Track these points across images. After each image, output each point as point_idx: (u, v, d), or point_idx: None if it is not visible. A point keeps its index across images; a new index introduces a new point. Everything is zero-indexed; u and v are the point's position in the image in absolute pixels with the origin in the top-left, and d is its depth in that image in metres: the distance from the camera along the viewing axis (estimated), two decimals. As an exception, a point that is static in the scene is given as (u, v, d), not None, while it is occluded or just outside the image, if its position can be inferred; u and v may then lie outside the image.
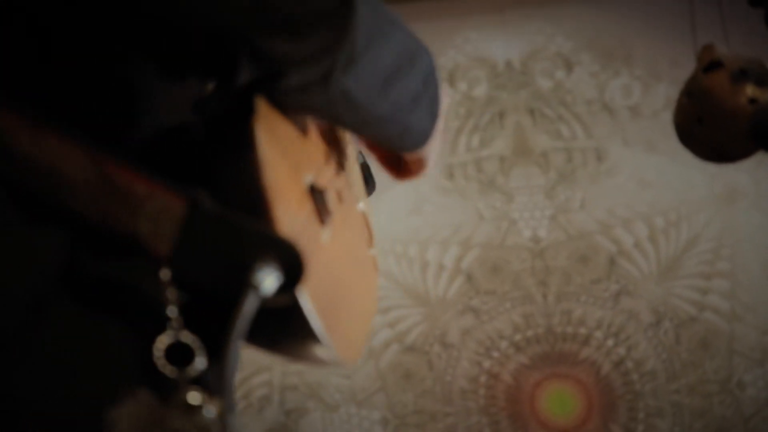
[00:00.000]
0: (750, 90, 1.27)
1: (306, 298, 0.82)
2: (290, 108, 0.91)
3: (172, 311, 0.80)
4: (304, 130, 1.00)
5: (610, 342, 3.02)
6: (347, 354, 0.95)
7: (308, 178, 0.96)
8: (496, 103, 3.16)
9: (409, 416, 2.97)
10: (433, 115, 1.06)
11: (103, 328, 0.82)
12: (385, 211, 2.98)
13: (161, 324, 0.80)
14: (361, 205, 1.22)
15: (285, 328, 0.85)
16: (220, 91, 0.85)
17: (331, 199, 1.00)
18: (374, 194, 1.32)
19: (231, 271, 0.79)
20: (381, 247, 2.97)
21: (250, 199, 0.83)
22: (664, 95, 3.12)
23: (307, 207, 0.93)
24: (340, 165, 1.13)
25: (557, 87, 3.17)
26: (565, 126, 3.13)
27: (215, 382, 0.80)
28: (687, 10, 2.96)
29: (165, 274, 0.80)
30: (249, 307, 0.78)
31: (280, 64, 0.84)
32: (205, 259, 0.80)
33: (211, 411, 0.77)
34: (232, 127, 0.85)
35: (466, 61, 3.17)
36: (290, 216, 0.86)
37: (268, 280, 0.79)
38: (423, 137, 1.07)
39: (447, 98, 1.11)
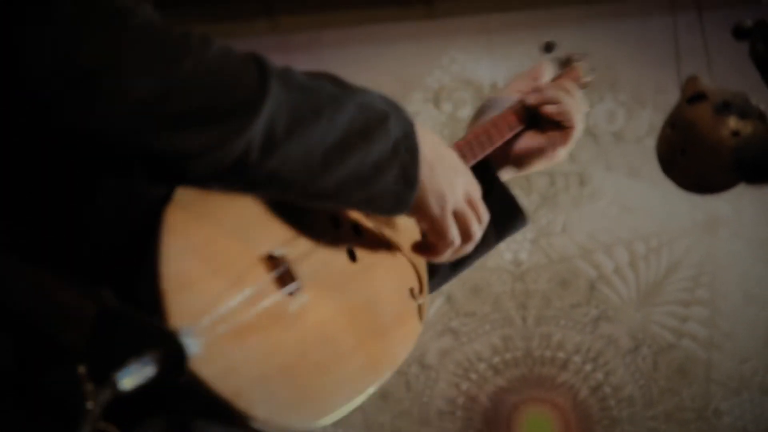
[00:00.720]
0: (733, 122, 1.28)
1: (212, 381, 0.87)
2: (217, 189, 0.94)
3: (90, 405, 0.83)
4: (266, 208, 1.02)
5: (588, 367, 3.02)
6: (299, 415, 0.96)
7: (267, 250, 0.99)
8: (481, 124, 3.16)
9: (386, 436, 2.96)
10: (407, 179, 1.07)
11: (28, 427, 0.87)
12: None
13: (80, 419, 0.84)
14: (405, 254, 1.21)
15: (214, 410, 0.89)
16: (128, 187, 0.90)
17: (305, 270, 1.02)
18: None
19: (120, 363, 0.83)
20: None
21: (148, 290, 0.88)
22: (648, 121, 3.13)
23: (257, 279, 0.96)
24: (354, 226, 1.14)
25: (542, 110, 3.17)
26: (548, 150, 3.13)
27: None
28: (671, 38, 2.97)
29: (81, 369, 0.84)
30: (101, 401, 0.83)
31: (179, 159, 0.87)
32: (109, 353, 0.84)
33: None
34: (144, 219, 0.90)
35: (452, 82, 3.17)
36: (205, 300, 0.90)
37: (130, 378, 0.83)
38: (399, 202, 1.08)
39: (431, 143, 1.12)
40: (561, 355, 3.03)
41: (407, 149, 1.06)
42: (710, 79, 1.35)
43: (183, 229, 0.92)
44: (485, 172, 1.36)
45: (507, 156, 1.38)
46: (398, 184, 1.06)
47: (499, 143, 1.34)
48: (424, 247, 1.18)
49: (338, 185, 1.00)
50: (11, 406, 0.87)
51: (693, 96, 1.31)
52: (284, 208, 1.04)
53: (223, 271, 0.95)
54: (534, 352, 3.03)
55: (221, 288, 0.93)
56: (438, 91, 3.16)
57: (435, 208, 1.12)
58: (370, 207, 1.08)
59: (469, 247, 1.18)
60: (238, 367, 0.91)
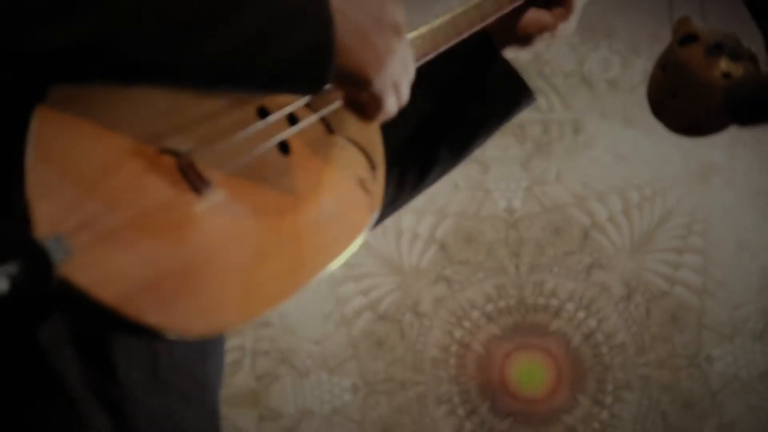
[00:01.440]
0: (724, 64, 1.27)
1: (93, 289, 0.83)
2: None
3: None
4: (188, 101, 0.97)
5: (581, 314, 3.03)
6: (198, 324, 0.93)
7: (162, 144, 0.93)
8: (475, 73, 3.15)
9: (380, 384, 2.98)
10: (322, 45, 0.92)
11: None
12: (361, 179, 2.98)
13: None
14: (352, 139, 1.16)
15: (98, 318, 0.86)
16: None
17: (217, 162, 0.97)
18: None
19: None
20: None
21: (16, 197, 0.84)
22: (643, 70, 3.12)
23: (155, 180, 0.92)
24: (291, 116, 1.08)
25: (536, 58, 3.16)
26: (543, 98, 3.13)
27: None
28: (667, -16, 2.96)
29: None
30: None
31: (51, 55, 0.84)
32: None
33: None
34: (11, 120, 0.85)
35: (446, 31, 3.16)
36: (72, 202, 0.86)
37: None
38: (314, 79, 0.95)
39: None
40: (554, 302, 3.04)
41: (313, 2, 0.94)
42: (703, 19, 1.34)
43: (56, 129, 0.87)
44: (487, 48, 1.34)
45: (510, 32, 1.37)
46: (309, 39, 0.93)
47: (497, 15, 1.32)
48: (359, 105, 1.08)
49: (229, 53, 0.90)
50: None
51: (684, 37, 1.30)
52: (201, 103, 0.98)
53: (95, 163, 0.90)
54: (527, 300, 3.04)
55: (94, 184, 0.88)
56: None
57: (379, 81, 1.00)
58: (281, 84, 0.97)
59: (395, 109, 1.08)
60: (121, 272, 0.86)
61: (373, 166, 1.19)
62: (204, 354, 1.10)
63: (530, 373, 3.01)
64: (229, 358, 2.96)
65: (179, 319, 0.89)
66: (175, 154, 0.93)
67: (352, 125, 1.16)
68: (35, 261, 0.81)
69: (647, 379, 2.99)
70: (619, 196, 3.08)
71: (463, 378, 3.00)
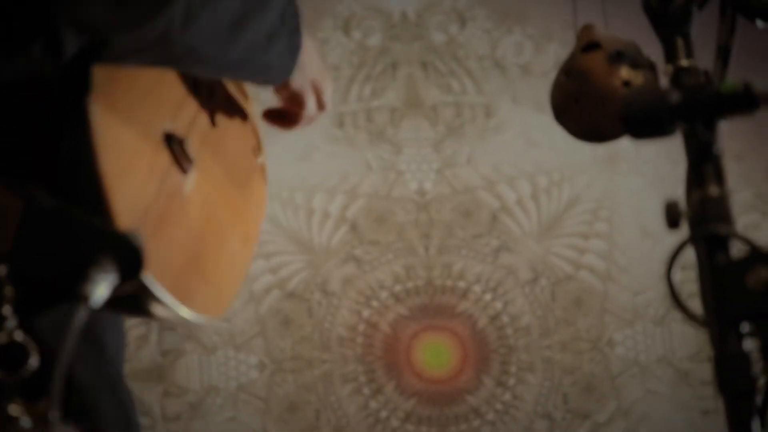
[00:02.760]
0: (625, 72, 1.30)
1: (154, 281, 0.83)
2: (134, 65, 0.91)
3: (6, 309, 0.80)
4: (157, 77, 0.99)
5: (487, 296, 3.08)
6: (214, 307, 0.96)
7: (164, 127, 0.95)
8: (390, 54, 3.17)
9: (287, 362, 2.99)
10: (293, 48, 1.09)
11: None
12: (273, 157, 2.96)
13: None
14: (245, 110, 1.21)
15: (140, 307, 0.86)
16: (49, 65, 0.84)
17: (194, 139, 1.00)
18: (264, 138, 1.32)
19: (65, 271, 0.79)
20: (267, 193, 2.97)
21: (88, 191, 0.83)
22: (555, 55, 3.16)
23: (163, 162, 0.93)
24: (209, 89, 1.12)
25: (450, 41, 3.19)
26: (456, 81, 3.16)
27: (46, 383, 0.79)
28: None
29: (2, 270, 0.80)
30: (79, 319, 0.79)
31: (105, 32, 0.83)
32: (43, 256, 0.80)
33: (27, 421, 0.77)
34: (67, 110, 0.84)
35: (362, 11, 3.16)
36: (135, 194, 0.86)
37: (100, 287, 0.79)
38: (285, 71, 1.10)
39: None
40: (461, 284, 3.08)
41: (291, 17, 1.08)
42: (605, 26, 1.37)
43: (109, 116, 0.87)
44: None
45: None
46: (285, 52, 1.09)
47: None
48: (281, 116, 1.20)
49: (240, 57, 1.01)
50: None
51: (587, 45, 1.34)
52: (161, 80, 1.01)
53: (142, 161, 0.91)
54: (435, 281, 3.07)
55: (144, 179, 0.89)
56: (348, 18, 3.15)
57: (300, 79, 1.14)
58: (262, 77, 1.11)
59: (317, 117, 1.23)
60: (167, 261, 0.87)
61: (258, 138, 1.25)
62: (111, 325, 1.13)
63: (436, 353, 3.05)
64: (135, 333, 2.95)
65: (203, 300, 0.91)
66: (173, 137, 0.95)
67: (242, 102, 1.22)
68: (131, 253, 0.80)
69: (550, 362, 3.05)
70: (528, 181, 3.12)
71: (369, 357, 3.03)
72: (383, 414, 3.00)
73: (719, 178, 1.00)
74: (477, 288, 3.08)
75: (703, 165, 1.00)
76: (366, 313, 3.04)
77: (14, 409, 0.77)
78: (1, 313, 0.79)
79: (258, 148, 1.23)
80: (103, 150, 0.84)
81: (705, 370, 3.03)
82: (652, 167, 3.12)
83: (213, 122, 1.10)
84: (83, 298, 0.78)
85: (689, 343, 3.06)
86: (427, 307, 3.06)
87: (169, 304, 0.86)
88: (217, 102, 1.13)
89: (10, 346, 0.79)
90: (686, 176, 1.05)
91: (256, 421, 2.96)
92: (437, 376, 3.03)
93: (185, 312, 0.88)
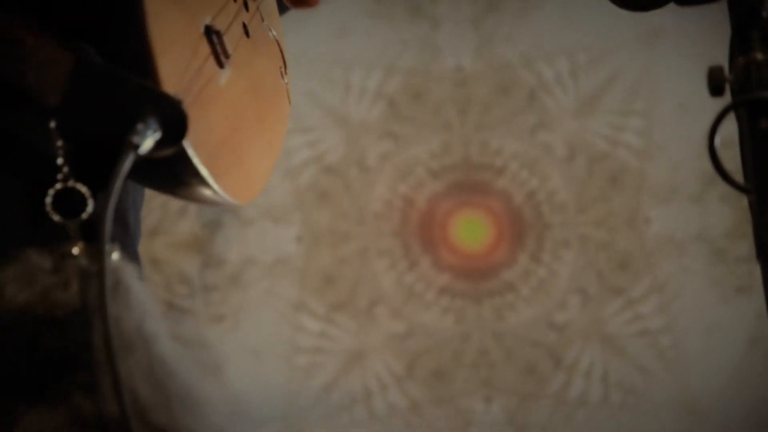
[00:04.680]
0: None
1: (192, 149, 0.85)
2: None
3: (60, 161, 0.82)
4: None
5: (524, 173, 3.08)
6: (242, 195, 0.98)
7: (205, 20, 0.97)
8: (429, -73, 3.13)
9: (323, 235, 3.02)
10: None
11: None
12: (310, 33, 2.97)
13: (50, 174, 0.82)
14: (274, 33, 1.22)
15: (175, 175, 0.88)
16: None
17: (231, 39, 1.01)
18: (301, 15, 1.32)
19: (114, 125, 0.81)
20: (305, 69, 2.97)
21: (136, 54, 0.84)
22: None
23: (203, 52, 0.94)
24: (244, 1, 1.13)
25: None
26: (495, -45, 3.11)
27: (100, 230, 0.82)
28: None
29: (53, 124, 0.81)
30: (127, 164, 0.81)
31: None
32: (91, 111, 0.82)
33: (86, 260, 0.80)
34: None
35: None
36: (179, 68, 0.88)
37: (147, 140, 0.81)
38: None
39: None
40: (498, 161, 3.08)
41: None
42: None
43: None
44: None
45: None
46: None
47: None
48: None
49: None
50: None
51: None
52: None
53: (187, 39, 0.93)
54: (472, 158, 3.08)
55: (188, 57, 0.91)
56: None
57: None
58: None
59: None
60: (205, 137, 0.89)
61: (284, 58, 1.25)
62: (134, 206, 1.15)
63: (472, 229, 3.07)
64: (175, 205, 2.98)
65: (233, 183, 0.93)
66: (213, 30, 0.96)
67: (272, 19, 1.23)
68: (175, 114, 0.82)
69: (585, 238, 3.07)
70: (567, 58, 3.09)
71: (405, 232, 3.05)
72: (418, 288, 3.03)
73: (765, 43, 0.98)
74: (513, 165, 3.08)
75: (749, 30, 0.99)
76: (402, 188, 3.05)
77: (75, 249, 0.80)
78: (54, 164, 0.81)
79: (284, 69, 1.23)
80: (153, 19, 0.86)
81: (740, 248, 3.03)
82: (693, 44, 3.08)
83: (247, 33, 1.10)
84: (131, 146, 0.80)
85: (725, 220, 3.06)
86: (463, 184, 3.07)
87: (204, 176, 0.87)
88: (251, 15, 1.13)
89: (66, 192, 0.81)
90: (730, 42, 1.04)
91: (293, 293, 3.00)
92: (472, 252, 3.06)
93: (217, 188, 0.90)
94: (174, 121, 0.83)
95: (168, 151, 0.84)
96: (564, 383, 3.03)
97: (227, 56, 0.98)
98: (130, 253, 0.96)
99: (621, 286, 3.05)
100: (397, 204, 3.05)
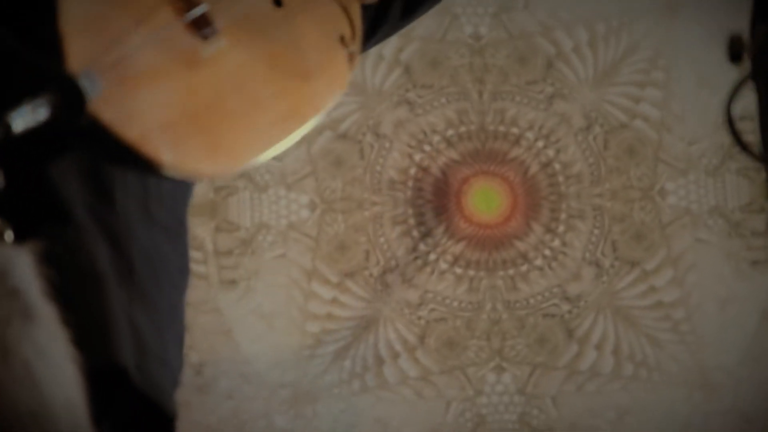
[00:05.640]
0: None
1: (113, 124, 0.84)
2: None
3: None
4: None
5: (540, 143, 3.06)
6: (209, 167, 0.96)
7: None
8: None
9: (337, 202, 3.02)
10: None
11: None
12: None
13: None
14: (337, 2, 1.20)
15: (107, 155, 0.87)
16: None
17: (226, 12, 0.99)
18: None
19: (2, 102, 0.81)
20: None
21: (46, 30, 0.84)
22: None
23: (161, 20, 0.92)
24: None
25: None
26: None
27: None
28: None
29: None
30: None
31: None
32: None
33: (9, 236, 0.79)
34: None
35: None
36: (101, 43, 0.86)
37: (21, 118, 0.80)
38: None
39: None
40: (514, 130, 3.06)
41: None
42: None
43: None
44: None
45: None
46: None
47: None
48: None
49: None
50: None
51: None
52: None
53: (127, 10, 0.91)
54: (488, 127, 3.06)
55: (125, 28, 0.90)
56: None
57: None
58: None
59: None
60: (142, 111, 0.88)
61: (352, 26, 1.23)
62: (187, 191, 1.14)
63: (486, 198, 3.05)
64: (189, 170, 2.98)
65: (190, 159, 0.92)
66: (192, 1, 0.95)
67: None
68: (70, 94, 0.82)
69: (600, 210, 3.05)
70: (585, 27, 3.07)
71: (419, 201, 3.04)
72: (432, 256, 3.03)
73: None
74: (530, 134, 3.06)
75: (771, -3, 0.97)
76: (417, 156, 3.04)
77: None
78: None
79: (351, 36, 1.20)
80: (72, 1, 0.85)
81: (757, 221, 3.01)
82: (713, 15, 3.05)
83: (278, 3, 1.08)
84: (3, 124, 0.80)
85: (742, 193, 3.04)
86: (478, 153, 3.06)
87: (125, 142, 0.86)
88: None
89: None
90: (752, 9, 1.03)
91: (306, 260, 3.00)
92: (487, 221, 3.05)
93: (150, 153, 0.89)
94: (71, 99, 0.82)
95: (69, 127, 0.83)
96: (576, 355, 3.02)
97: (211, 29, 0.96)
98: (108, 226, 0.94)
99: (635, 258, 3.03)
100: (412, 172, 3.04)
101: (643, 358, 3.02)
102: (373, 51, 3.04)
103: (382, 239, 3.02)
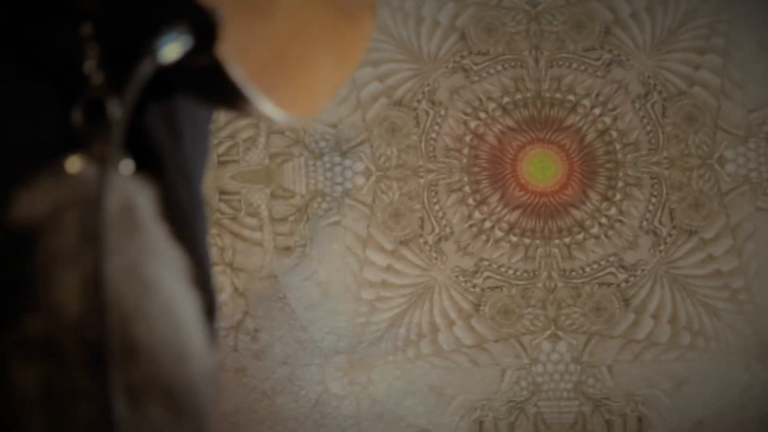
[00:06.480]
0: None
1: (235, 59, 0.82)
2: None
3: (90, 66, 0.79)
4: None
5: (597, 111, 3.03)
6: (299, 108, 0.95)
7: None
8: None
9: (392, 170, 3.01)
10: None
11: (23, 84, 0.81)
12: (383, -38, 2.94)
13: (78, 83, 0.79)
14: None
15: (218, 88, 0.85)
16: None
17: None
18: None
19: (142, 31, 0.78)
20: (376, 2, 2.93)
21: None
22: None
23: None
24: None
25: None
26: None
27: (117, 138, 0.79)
28: None
29: (87, 28, 0.79)
30: (143, 70, 0.78)
31: None
32: (124, 16, 0.79)
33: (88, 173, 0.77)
34: None
35: None
36: None
37: (170, 47, 0.78)
38: None
39: None
40: (570, 98, 3.04)
41: None
42: None
43: None
44: None
45: None
46: None
47: None
48: None
49: None
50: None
51: None
52: None
53: None
54: (544, 94, 3.04)
55: None
56: None
57: None
58: None
59: None
60: (247, 49, 0.87)
61: None
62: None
63: (542, 166, 3.03)
64: (244, 134, 2.98)
65: (281, 101, 0.90)
66: None
67: None
68: (206, 24, 0.80)
69: (658, 178, 3.02)
70: (643, -8, 3.03)
71: (474, 168, 3.02)
72: (487, 224, 3.01)
73: None
74: (586, 102, 3.03)
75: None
76: (473, 124, 3.02)
77: (74, 162, 0.77)
78: (82, 70, 0.79)
79: None
80: None
81: (818, 189, 2.97)
82: (775, -20, 3.00)
83: None
84: (150, 51, 0.77)
85: (804, 160, 3.00)
86: (534, 120, 3.03)
87: (243, 86, 0.84)
88: None
89: (96, 101, 0.79)
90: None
91: (361, 227, 3.00)
92: (542, 189, 3.02)
93: (261, 102, 0.87)
94: (206, 29, 0.80)
95: (200, 61, 0.81)
96: (632, 324, 3.00)
97: None
98: (180, 170, 0.92)
99: (694, 227, 3.00)
100: (468, 139, 3.02)
101: (701, 327, 2.99)
102: (429, 17, 3.02)
103: (437, 207, 3.01)
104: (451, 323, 2.99)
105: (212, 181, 2.94)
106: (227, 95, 0.86)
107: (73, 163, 0.78)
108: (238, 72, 0.84)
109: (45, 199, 0.77)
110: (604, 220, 3.02)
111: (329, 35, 1.04)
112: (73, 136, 0.79)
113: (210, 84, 0.85)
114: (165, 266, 0.83)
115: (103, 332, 0.75)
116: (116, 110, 0.78)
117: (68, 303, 0.75)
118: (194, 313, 0.84)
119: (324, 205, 2.99)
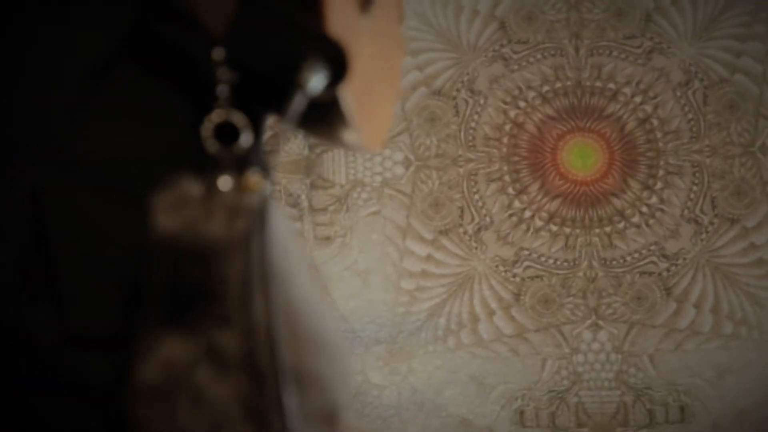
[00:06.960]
0: None
1: (345, 93, 0.84)
2: None
3: (222, 90, 0.80)
4: None
5: (637, 99, 3.02)
6: (372, 140, 0.97)
7: None
8: None
9: (431, 159, 3.01)
10: None
11: (161, 96, 0.83)
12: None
13: (210, 103, 0.81)
14: None
15: (323, 118, 0.87)
16: None
17: None
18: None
19: (282, 62, 0.80)
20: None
21: None
22: None
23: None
24: None
25: None
26: None
27: (257, 161, 0.82)
28: None
29: (219, 53, 0.80)
30: (297, 105, 0.80)
31: None
32: (258, 44, 0.81)
33: (233, 191, 0.79)
34: None
35: None
36: (340, 10, 0.86)
37: (315, 80, 0.80)
38: None
39: None
40: (611, 86, 3.02)
41: None
42: None
43: None
44: None
45: None
46: None
47: None
48: None
49: None
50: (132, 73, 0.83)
51: None
52: None
53: None
54: (584, 83, 3.02)
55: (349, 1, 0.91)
56: None
57: None
58: None
59: None
60: (355, 81, 0.89)
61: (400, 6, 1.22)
62: None
63: (582, 155, 3.02)
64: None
65: (368, 129, 0.92)
66: None
67: None
68: (337, 60, 0.82)
69: (699, 166, 3.00)
70: (685, -21, 3.01)
71: (514, 158, 3.01)
72: (527, 213, 3.01)
73: None
74: (627, 90, 3.02)
75: None
76: (512, 113, 3.01)
77: (224, 182, 0.79)
78: (215, 94, 0.80)
79: (400, 18, 1.20)
80: None
81: None
82: (819, -34, 2.97)
83: None
84: (299, 86, 0.79)
85: None
86: (574, 109, 3.02)
87: (351, 118, 0.87)
88: None
89: (224, 125, 0.80)
90: None
91: (400, 217, 3.00)
92: (582, 178, 3.01)
93: (358, 135, 0.89)
94: (337, 65, 0.82)
95: (326, 95, 0.83)
96: (674, 313, 2.99)
97: (369, 2, 0.96)
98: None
99: (736, 215, 2.98)
100: (507, 128, 3.01)
101: (743, 317, 2.97)
102: (468, 5, 3.01)
103: (476, 196, 3.00)
104: (491, 313, 2.99)
105: (252, 172, 2.94)
106: (335, 125, 0.88)
107: (225, 182, 0.79)
108: (349, 104, 0.86)
109: (179, 213, 0.79)
110: (645, 209, 3.00)
111: (386, 64, 1.05)
112: (202, 151, 0.81)
113: (323, 113, 0.87)
114: (310, 286, 0.89)
115: (280, 355, 0.79)
116: (249, 137, 0.80)
117: (262, 325, 0.79)
118: (335, 328, 0.89)
119: (363, 195, 2.99)
